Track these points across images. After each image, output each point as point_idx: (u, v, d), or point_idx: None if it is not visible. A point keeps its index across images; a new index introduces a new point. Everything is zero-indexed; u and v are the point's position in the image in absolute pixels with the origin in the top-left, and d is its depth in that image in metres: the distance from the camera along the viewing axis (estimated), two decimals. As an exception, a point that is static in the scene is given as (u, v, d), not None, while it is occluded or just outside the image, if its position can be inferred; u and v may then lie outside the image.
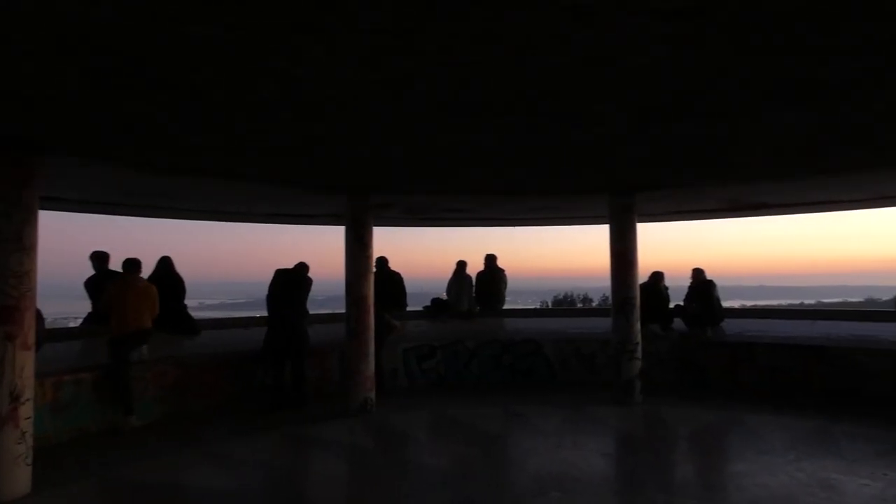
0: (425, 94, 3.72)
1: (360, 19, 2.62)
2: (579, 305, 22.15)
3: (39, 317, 5.30)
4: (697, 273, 8.86)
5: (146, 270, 6.84)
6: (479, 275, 10.39)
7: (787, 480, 4.54)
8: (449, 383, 8.44)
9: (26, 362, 4.46)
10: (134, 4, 2.44)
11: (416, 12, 2.57)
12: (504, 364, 8.58)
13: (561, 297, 25.74)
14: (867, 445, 5.33)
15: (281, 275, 7.26)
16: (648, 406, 7.00)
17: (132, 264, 6.33)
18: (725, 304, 9.78)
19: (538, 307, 19.06)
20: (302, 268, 7.44)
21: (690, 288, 8.84)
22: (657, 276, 8.79)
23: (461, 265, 10.30)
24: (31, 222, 4.53)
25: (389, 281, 8.96)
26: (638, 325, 7.41)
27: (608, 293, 7.67)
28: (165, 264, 7.52)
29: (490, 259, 10.47)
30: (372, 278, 7.16)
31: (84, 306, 7.91)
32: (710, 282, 8.76)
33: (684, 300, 8.81)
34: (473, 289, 10.35)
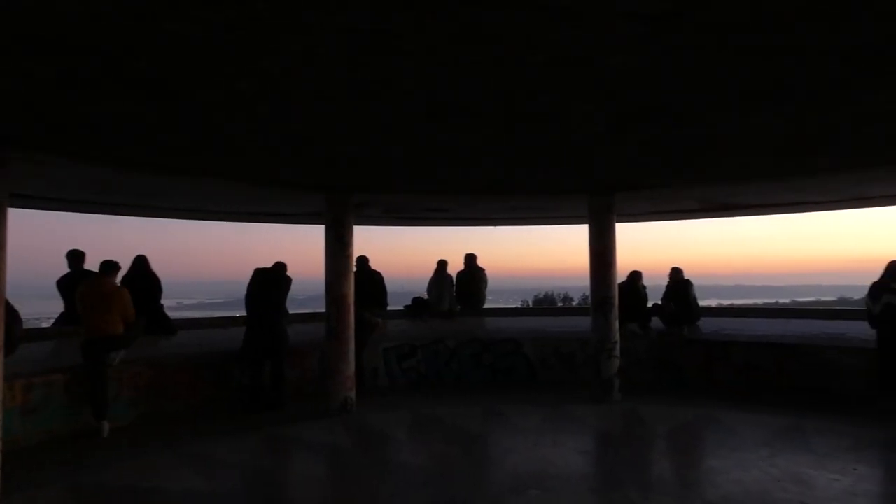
0: (404, 94, 3.71)
1: (339, 17, 2.61)
2: (560, 304, 22.33)
3: (17, 318, 5.18)
4: (675, 272, 8.99)
5: (122, 270, 6.70)
6: (460, 274, 10.41)
7: (761, 476, 4.63)
8: (429, 382, 8.44)
9: (-6, 364, 4.35)
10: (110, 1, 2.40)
11: (396, 11, 2.57)
12: (484, 363, 8.61)
13: (542, 296, 25.90)
14: (837, 441, 5.46)
15: (259, 274, 7.19)
16: (627, 404, 7.08)
17: (105, 266, 6.19)
18: (703, 303, 9.94)
19: (519, 306, 19.18)
20: (280, 267, 7.38)
21: (668, 287, 8.97)
22: (635, 276, 8.89)
23: (442, 264, 10.31)
24: (0, 220, 4.42)
25: (370, 280, 8.92)
26: (616, 324, 7.49)
27: (588, 292, 7.75)
28: (141, 263, 7.40)
29: (470, 258, 10.49)
30: (352, 277, 7.13)
31: (57, 306, 7.75)
32: (688, 281, 8.90)
33: (662, 299, 8.93)
34: (454, 288, 10.36)
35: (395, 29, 2.75)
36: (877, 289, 6.66)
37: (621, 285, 8.00)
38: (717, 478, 4.67)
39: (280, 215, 9.67)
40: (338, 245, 7.01)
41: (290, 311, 8.22)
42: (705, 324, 9.00)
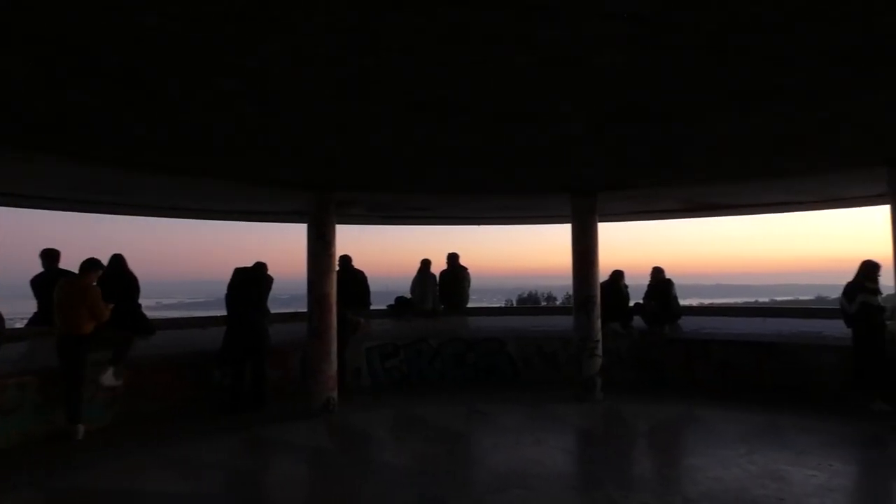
0: (388, 93, 3.69)
1: (321, 13, 2.57)
2: (543, 303, 22.47)
3: (0, 317, 5.07)
4: (656, 272, 9.07)
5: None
6: (442, 274, 10.39)
7: (739, 473, 4.69)
8: (412, 382, 8.42)
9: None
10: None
11: (382, 10, 2.55)
12: (467, 362, 8.61)
13: (525, 295, 26.04)
14: (814, 437, 5.56)
15: (239, 273, 7.11)
16: (609, 403, 7.13)
17: (83, 264, 6.02)
18: (684, 302, 10.05)
19: (503, 305, 19.23)
20: (261, 267, 7.29)
21: (649, 286, 9.05)
22: (617, 275, 8.95)
23: (425, 264, 10.28)
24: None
25: (353, 279, 8.87)
26: (599, 323, 7.54)
27: (572, 291, 7.79)
28: (117, 262, 7.25)
29: (452, 258, 10.48)
30: (335, 276, 7.08)
31: (31, 305, 7.57)
32: (669, 280, 8.98)
33: (643, 298, 9.00)
34: (437, 287, 10.34)
35: (380, 28, 2.73)
36: (852, 288, 6.78)
37: (603, 284, 8.05)
38: (697, 475, 4.72)
39: (261, 213, 9.57)
40: (320, 244, 6.95)
41: (273, 311, 8.14)
42: (686, 323, 9.09)
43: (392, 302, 10.51)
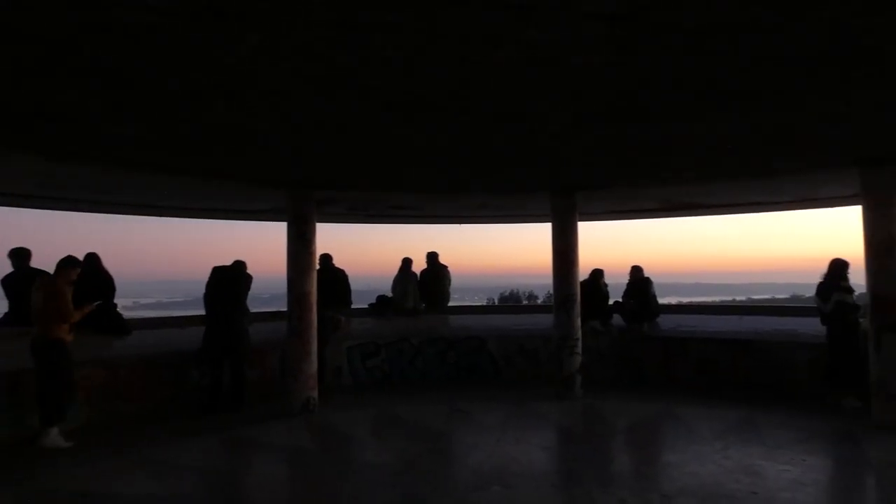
0: (367, 91, 3.67)
1: (298, 9, 2.55)
2: (525, 302, 22.57)
3: None
4: (635, 270, 9.15)
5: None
6: (423, 273, 10.36)
7: (715, 469, 4.76)
8: (393, 381, 8.40)
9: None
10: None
11: (358, 7, 2.53)
12: (449, 361, 8.62)
13: (507, 294, 26.15)
14: (787, 433, 5.66)
15: (218, 272, 7.02)
16: (588, 400, 7.19)
17: (59, 263, 5.84)
18: (663, 300, 10.15)
19: (485, 304, 19.28)
20: (239, 265, 7.22)
21: (628, 285, 9.13)
22: (597, 274, 9.02)
23: (406, 262, 10.24)
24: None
25: (334, 278, 8.81)
26: (578, 322, 7.59)
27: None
28: (91, 261, 7.11)
29: (432, 257, 10.46)
30: (315, 275, 7.03)
31: (2, 305, 7.39)
32: (647, 279, 9.07)
33: (622, 297, 9.08)
34: (418, 286, 10.31)
35: (357, 25, 2.71)
36: (826, 288, 6.91)
37: (583, 283, 8.11)
38: (674, 471, 4.78)
39: (241, 212, 9.45)
40: (300, 242, 6.90)
41: (253, 310, 8.05)
42: (664, 321, 9.19)
43: (373, 301, 10.46)
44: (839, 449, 5.42)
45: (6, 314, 7.20)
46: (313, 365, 6.88)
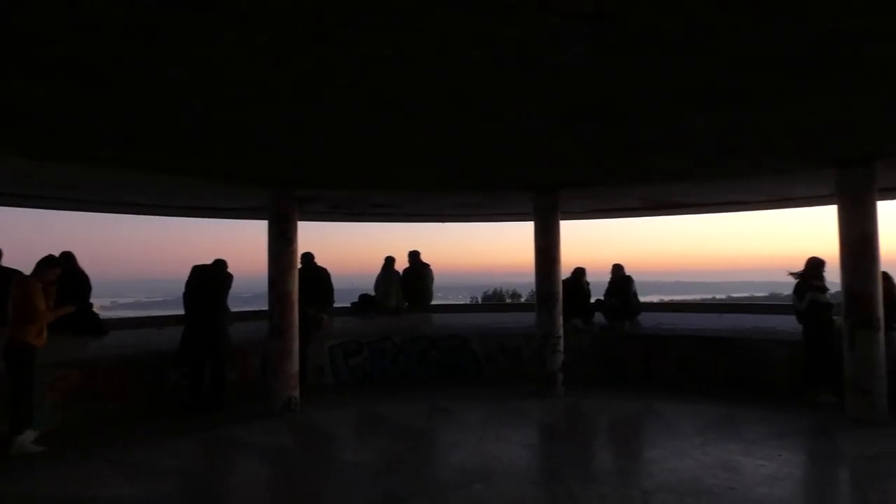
0: (346, 89, 3.64)
1: (274, 6, 2.52)
2: (508, 300, 22.64)
3: None
4: (616, 269, 9.22)
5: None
6: (405, 272, 10.35)
7: (694, 464, 4.82)
8: (376, 380, 8.38)
9: None
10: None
11: (335, 4, 2.50)
12: (431, 360, 8.61)
13: (490, 292, 26.20)
14: (764, 428, 5.75)
15: (198, 272, 6.93)
16: (570, 398, 7.23)
17: (38, 263, 5.66)
18: (645, 298, 10.25)
19: (468, 303, 19.30)
20: (220, 264, 7.13)
21: (610, 283, 9.20)
22: (579, 272, 9.08)
23: (389, 261, 10.22)
24: None
25: (316, 277, 8.75)
26: (560, 320, 7.63)
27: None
28: (67, 261, 6.97)
29: (414, 255, 10.45)
30: (296, 274, 6.97)
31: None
32: (629, 277, 9.15)
33: (604, 295, 9.14)
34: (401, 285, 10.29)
35: (334, 21, 2.69)
36: (801, 287, 7.04)
37: (565, 281, 8.16)
38: (654, 467, 4.83)
39: (221, 210, 9.34)
40: (281, 241, 6.84)
41: (234, 310, 7.97)
42: (645, 319, 9.28)
43: (356, 299, 10.42)
44: (814, 443, 5.52)
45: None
46: (295, 364, 6.83)
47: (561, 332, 7.61)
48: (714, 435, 5.62)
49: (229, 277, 7.14)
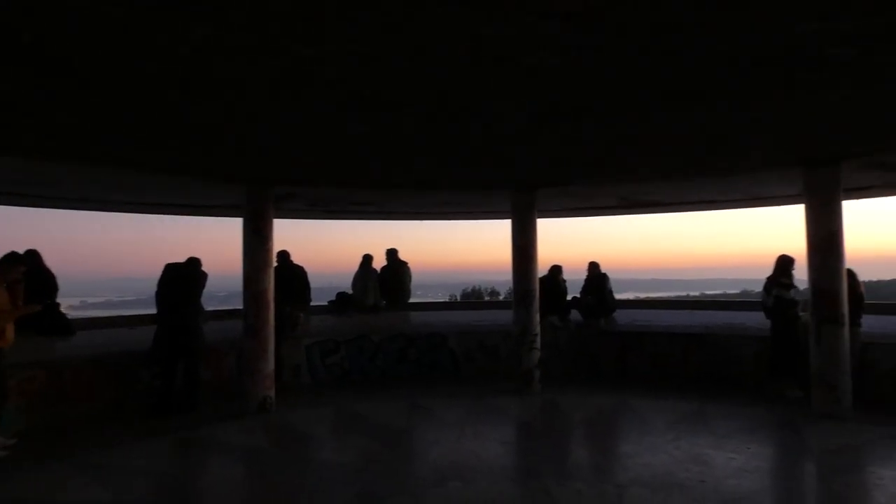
0: (323, 86, 3.61)
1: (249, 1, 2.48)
2: (487, 298, 22.72)
3: None
4: (593, 266, 9.33)
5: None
6: (383, 270, 10.33)
7: (666, 459, 4.91)
8: (353, 379, 8.34)
9: None
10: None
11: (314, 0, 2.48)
12: (409, 358, 8.60)
13: (469, 290, 26.25)
14: (735, 423, 5.89)
15: (171, 270, 6.80)
16: (547, 395, 7.30)
17: (0, 260, 5.47)
18: (621, 296, 10.40)
19: (447, 300, 19.31)
20: (194, 262, 7.01)
21: (586, 281, 9.31)
22: (556, 270, 9.16)
23: (367, 259, 10.18)
24: None
25: (292, 275, 8.67)
26: (537, 317, 7.70)
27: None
28: (32, 259, 6.79)
29: (391, 253, 10.43)
30: (272, 272, 6.90)
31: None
32: (604, 275, 9.26)
33: (580, 292, 9.25)
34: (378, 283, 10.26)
35: (314, 18, 2.66)
36: (769, 283, 7.23)
37: (542, 279, 8.22)
38: (628, 462, 4.91)
39: (196, 207, 9.19)
40: (256, 238, 6.76)
41: (209, 309, 7.86)
42: (621, 316, 9.41)
43: (333, 298, 10.36)
44: (782, 437, 5.67)
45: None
46: (270, 364, 6.76)
47: (538, 329, 7.68)
48: (686, 429, 5.73)
49: (203, 276, 7.03)
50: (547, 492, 4.31)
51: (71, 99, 3.82)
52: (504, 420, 6.46)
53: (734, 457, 4.91)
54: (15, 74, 3.34)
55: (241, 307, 6.96)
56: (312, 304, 9.38)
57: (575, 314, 9.09)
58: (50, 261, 7.14)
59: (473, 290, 26.11)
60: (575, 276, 9.63)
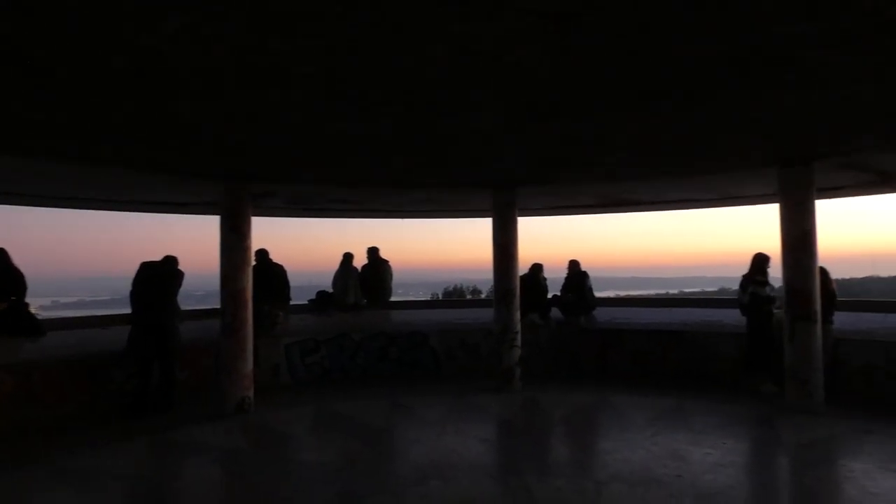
0: (301, 81, 3.57)
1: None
2: (469, 297, 22.73)
3: None
4: (573, 265, 9.40)
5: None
6: (364, 268, 10.27)
7: (645, 455, 4.97)
8: (334, 378, 8.28)
9: None
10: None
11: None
12: (390, 357, 8.57)
13: (451, 288, 26.22)
14: (712, 419, 5.98)
15: (146, 269, 6.68)
16: (528, 392, 7.33)
17: None
18: (602, 294, 10.49)
19: (429, 299, 19.30)
20: (170, 261, 6.89)
21: (567, 279, 9.37)
22: (536, 268, 9.20)
23: (347, 257, 10.12)
24: None
25: (271, 274, 8.58)
26: (518, 315, 7.72)
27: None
28: (0, 258, 6.62)
29: (372, 251, 10.38)
30: (250, 271, 6.81)
31: None
32: (584, 273, 9.33)
33: (561, 290, 9.31)
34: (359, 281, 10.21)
35: (287, 11, 2.62)
36: (745, 281, 7.35)
37: (523, 277, 8.25)
38: (608, 458, 4.96)
39: (173, 205, 9.03)
40: (234, 237, 6.66)
41: (187, 308, 7.73)
42: (601, 313, 9.50)
43: (313, 296, 10.28)
44: (757, 432, 5.76)
45: None
46: (249, 364, 6.68)
47: (518, 327, 7.70)
48: (664, 426, 5.80)
49: (180, 274, 6.92)
50: (527, 489, 4.33)
51: (35, 92, 3.72)
52: (485, 418, 6.47)
53: (711, 452, 4.99)
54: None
55: (219, 306, 6.86)
56: (292, 303, 9.29)
57: (556, 312, 9.14)
58: (19, 259, 6.95)
59: (455, 289, 26.08)
60: (556, 275, 9.69)
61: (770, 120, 4.74)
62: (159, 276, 6.71)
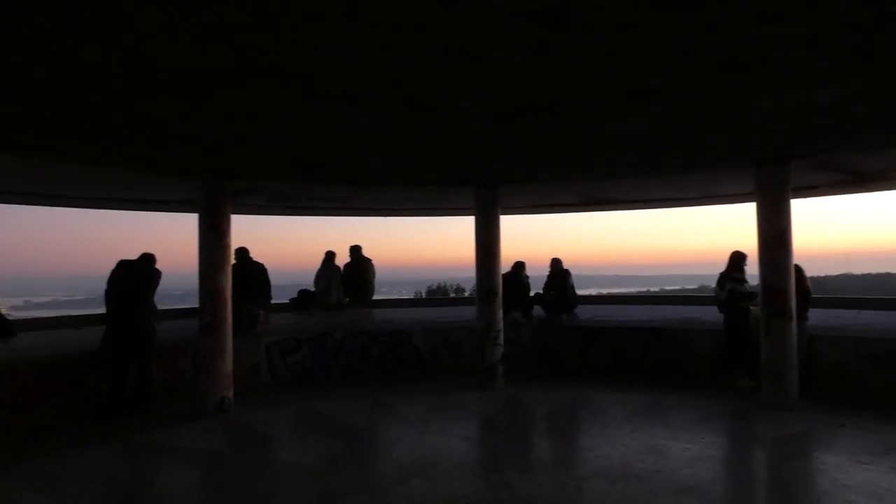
0: (282, 78, 3.53)
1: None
2: (452, 295, 22.80)
3: None
4: (555, 263, 9.45)
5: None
6: (346, 267, 10.22)
7: (624, 450, 5.02)
8: (315, 377, 8.23)
9: None
10: None
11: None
12: (373, 355, 8.54)
13: (435, 287, 26.26)
14: (690, 414, 6.06)
15: (123, 267, 6.55)
16: (510, 390, 7.36)
17: None
18: (584, 291, 10.57)
19: (412, 297, 19.30)
20: (147, 259, 6.78)
21: (549, 277, 9.42)
22: (519, 266, 9.24)
23: (329, 255, 10.06)
24: None
25: (251, 272, 8.49)
26: (500, 313, 7.74)
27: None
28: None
29: (355, 250, 10.34)
30: (229, 269, 6.73)
31: None
32: (566, 271, 9.39)
33: (543, 288, 9.36)
34: (342, 280, 10.16)
35: (269, 5, 2.59)
36: (722, 278, 7.47)
37: (505, 275, 8.28)
38: (588, 454, 5.00)
39: (150, 202, 8.88)
40: (212, 235, 6.58)
41: (165, 307, 7.62)
42: (583, 311, 9.57)
43: (295, 295, 10.20)
44: (734, 427, 5.86)
45: None
46: (228, 364, 6.60)
47: (501, 325, 7.72)
48: (643, 421, 5.86)
49: (157, 273, 6.80)
50: (509, 486, 4.35)
51: (7, 88, 3.63)
52: (467, 416, 6.48)
53: (689, 447, 5.06)
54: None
55: (197, 306, 6.77)
56: (273, 301, 9.21)
57: (538, 310, 9.18)
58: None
59: (439, 287, 26.15)
60: (538, 273, 9.74)
61: (748, 121, 4.81)
62: (136, 275, 6.59)
